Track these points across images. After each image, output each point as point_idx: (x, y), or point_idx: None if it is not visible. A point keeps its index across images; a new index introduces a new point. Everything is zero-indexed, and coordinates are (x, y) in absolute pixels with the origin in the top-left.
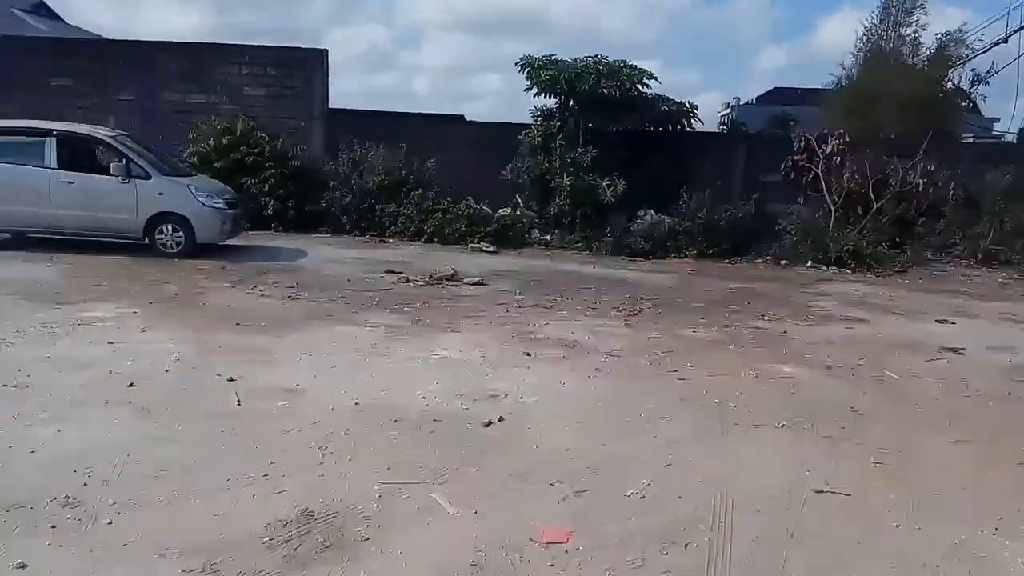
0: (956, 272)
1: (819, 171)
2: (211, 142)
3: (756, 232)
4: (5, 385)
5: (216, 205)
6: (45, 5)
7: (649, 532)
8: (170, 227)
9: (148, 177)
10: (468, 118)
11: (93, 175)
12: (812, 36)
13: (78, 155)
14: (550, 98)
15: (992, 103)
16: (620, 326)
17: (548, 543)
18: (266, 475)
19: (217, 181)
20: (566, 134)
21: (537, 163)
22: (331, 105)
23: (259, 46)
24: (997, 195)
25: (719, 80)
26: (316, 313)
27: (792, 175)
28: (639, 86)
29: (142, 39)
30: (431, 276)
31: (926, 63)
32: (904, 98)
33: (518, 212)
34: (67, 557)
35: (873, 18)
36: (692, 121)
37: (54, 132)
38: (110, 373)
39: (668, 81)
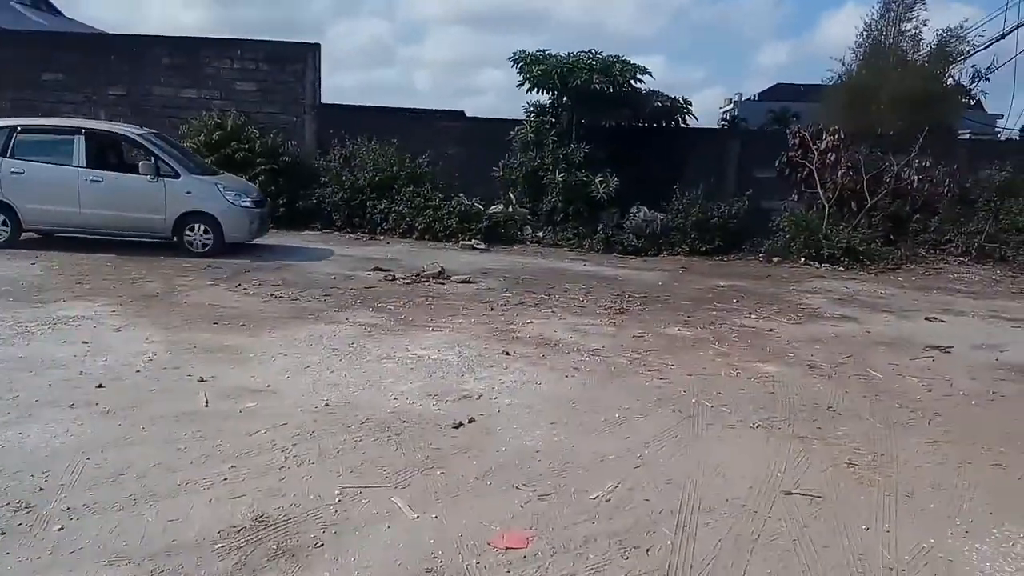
0: (950, 269)
1: (813, 167)
2: (202, 137)
3: (749, 229)
4: None
5: (244, 204)
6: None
7: (612, 535)
8: (199, 226)
9: (177, 176)
10: (469, 113)
11: (122, 174)
12: (815, 32)
13: (107, 153)
14: (543, 93)
15: (997, 100)
16: (605, 324)
17: (507, 548)
18: (225, 479)
19: (243, 179)
20: (559, 130)
21: (529, 159)
22: (328, 100)
23: (251, 40)
24: (992, 191)
25: (722, 76)
26: (297, 311)
27: (787, 171)
28: (632, 81)
29: (134, 33)
30: (418, 274)
31: (926, 59)
32: (903, 94)
33: (510, 209)
34: (12, 565)
35: (873, 14)
36: (686, 117)
37: (83, 130)
38: (80, 373)
39: (671, 77)
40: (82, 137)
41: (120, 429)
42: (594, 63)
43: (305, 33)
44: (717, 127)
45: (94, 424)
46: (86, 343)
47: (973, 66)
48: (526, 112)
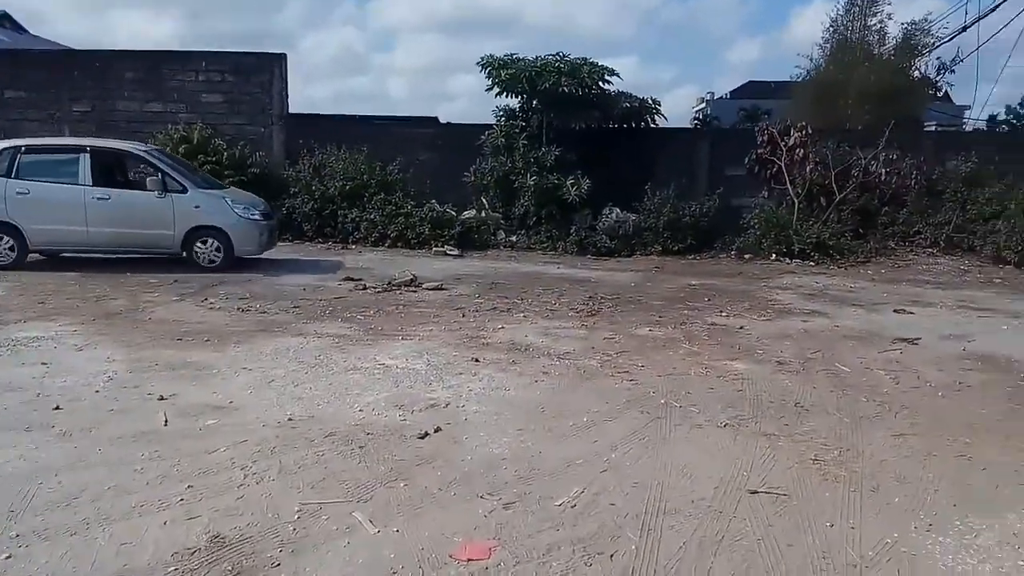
0: (919, 260)
1: (782, 164)
2: (168, 150)
3: (721, 227)
4: None
5: (253, 217)
6: (9, 17)
7: (576, 542)
8: (209, 240)
9: (184, 190)
10: (442, 119)
11: (129, 190)
12: (785, 29)
13: (112, 171)
14: (512, 97)
15: (966, 91)
16: (576, 327)
17: (468, 559)
18: (181, 499)
19: (250, 193)
20: (529, 133)
21: (501, 163)
22: (303, 110)
23: (215, 52)
24: (959, 182)
25: (694, 75)
26: (264, 324)
27: (756, 169)
28: (601, 83)
29: (99, 48)
30: (390, 282)
31: (892, 53)
32: (870, 88)
33: (483, 214)
34: None
35: (839, 9)
36: (656, 117)
37: (88, 148)
38: (38, 395)
39: (643, 77)
40: (87, 155)
41: (76, 451)
42: (562, 66)
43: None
44: (687, 127)
45: (49, 447)
46: (45, 364)
47: (938, 58)
48: (496, 116)
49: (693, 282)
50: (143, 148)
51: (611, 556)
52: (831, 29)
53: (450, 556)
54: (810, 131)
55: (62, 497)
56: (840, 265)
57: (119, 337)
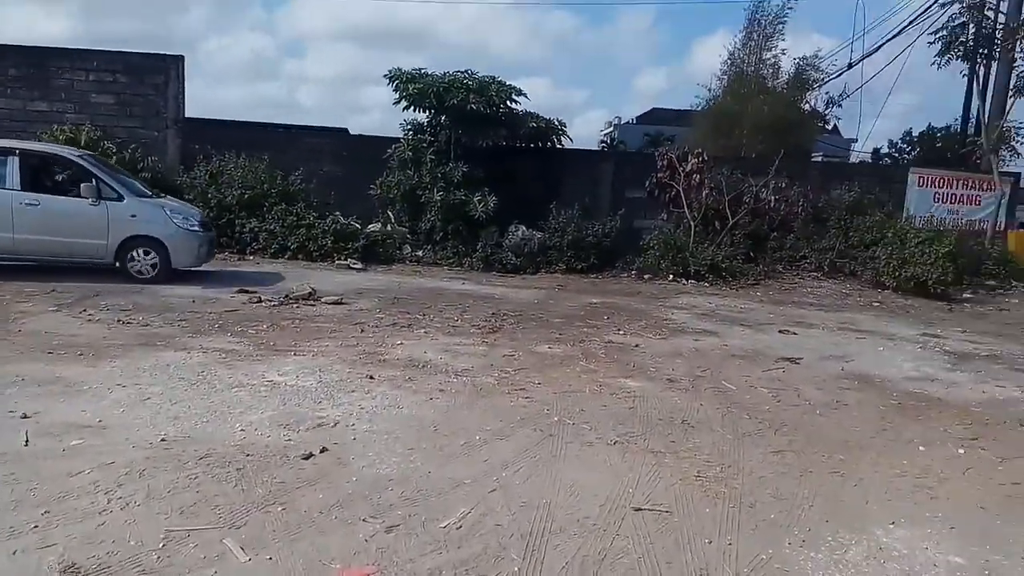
0: (804, 284)
1: (680, 188)
2: None
3: (622, 247)
4: None
5: (192, 228)
6: None
7: (459, 565)
8: (143, 251)
9: (120, 199)
10: (353, 131)
11: (60, 197)
12: (690, 58)
13: (43, 176)
14: (420, 112)
15: (854, 124)
16: (477, 344)
17: None
18: (36, 526)
19: (186, 203)
20: (437, 148)
21: (408, 177)
22: (210, 114)
23: (107, 51)
24: (843, 210)
25: (604, 99)
26: (146, 338)
27: (656, 192)
28: (508, 102)
29: None
30: (286, 295)
31: (785, 86)
32: (764, 119)
33: (388, 228)
34: None
35: (736, 42)
36: (562, 138)
37: (16, 151)
38: None
39: (555, 99)
40: (16, 158)
41: None
42: (470, 83)
43: (181, 48)
44: (592, 149)
45: None
46: None
47: (827, 93)
48: (404, 130)
49: (594, 300)
50: (76, 153)
51: None
52: (728, 62)
53: None
54: (706, 158)
55: None
56: (732, 287)
57: None
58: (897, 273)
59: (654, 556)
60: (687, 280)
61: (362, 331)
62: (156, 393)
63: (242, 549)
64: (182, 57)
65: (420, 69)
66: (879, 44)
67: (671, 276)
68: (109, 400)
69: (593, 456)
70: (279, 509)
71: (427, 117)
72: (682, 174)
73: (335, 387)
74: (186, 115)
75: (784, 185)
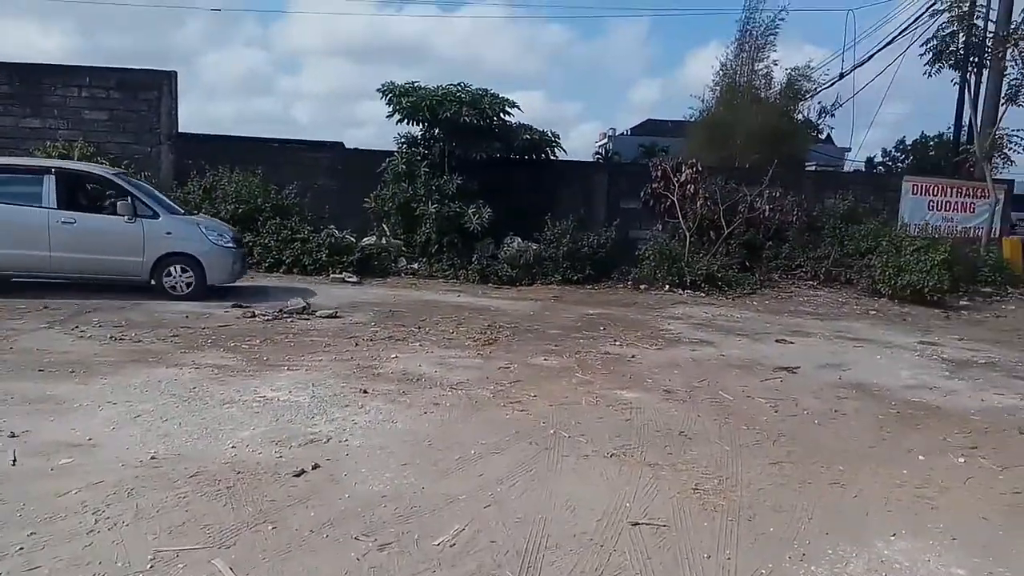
0: (800, 292)
1: (675, 199)
2: None
3: (618, 258)
4: None
5: (226, 244)
6: None
7: None
8: (179, 268)
9: (156, 216)
10: (348, 145)
11: (96, 215)
12: (682, 71)
13: (79, 194)
14: (414, 125)
15: (847, 134)
16: (472, 356)
17: None
18: (21, 548)
19: (219, 220)
20: (431, 161)
21: (402, 191)
22: (205, 130)
23: (100, 67)
24: (837, 219)
25: (598, 111)
26: (138, 355)
27: (651, 202)
28: (502, 114)
29: None
30: (281, 310)
31: (777, 97)
32: (757, 129)
33: (384, 241)
34: None
35: (728, 53)
36: (556, 150)
37: (53, 170)
38: None
39: (550, 111)
40: (52, 177)
41: None
42: (463, 96)
43: (177, 63)
44: (586, 160)
45: None
46: None
47: (819, 103)
48: (398, 143)
49: (590, 311)
50: (111, 171)
51: None
52: (721, 73)
53: None
54: (700, 168)
55: None
56: (728, 296)
57: None
58: (893, 281)
59: (652, 572)
60: (683, 290)
61: (356, 345)
62: (147, 410)
63: (231, 570)
64: (175, 73)
65: (413, 82)
66: (870, 54)
67: (667, 286)
68: (99, 418)
69: (590, 470)
70: (269, 528)
71: (421, 130)
72: (676, 184)
73: (328, 402)
74: (180, 130)
75: (778, 194)
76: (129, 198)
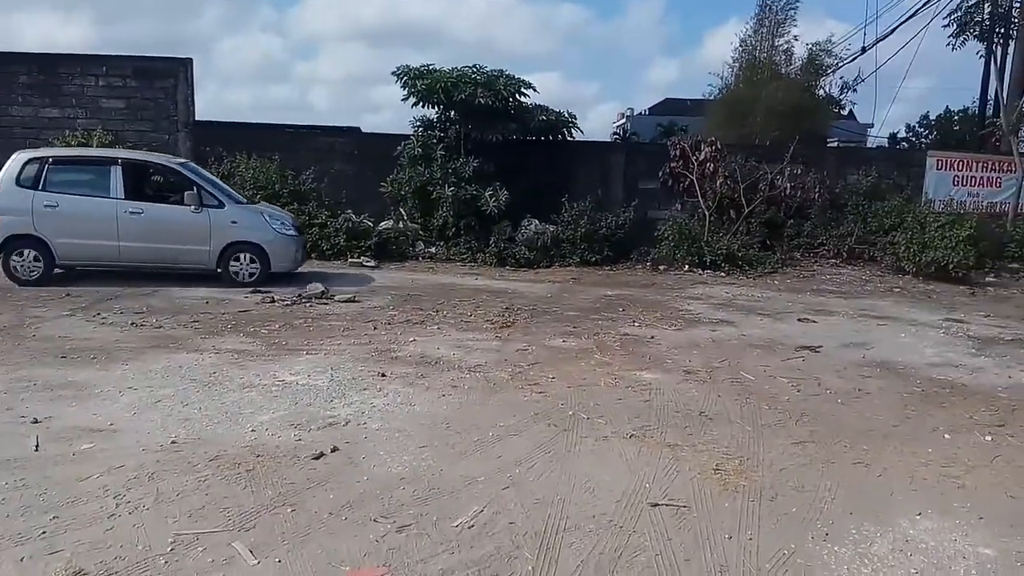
0: (822, 271)
1: (694, 177)
2: None
3: (636, 238)
4: None
5: (289, 232)
6: None
7: (470, 565)
8: (245, 256)
9: (221, 205)
10: (365, 130)
11: (162, 205)
12: (700, 49)
13: (145, 184)
14: (429, 108)
15: (870, 110)
16: (490, 339)
17: None
18: (44, 532)
19: (280, 208)
20: (447, 144)
21: (418, 174)
22: (221, 117)
23: (117, 56)
24: (860, 196)
25: (616, 91)
26: (159, 340)
27: (669, 182)
28: (517, 95)
29: None
30: (300, 294)
31: (798, 72)
32: (777, 105)
33: (401, 225)
34: None
35: (748, 30)
36: (572, 131)
37: (120, 160)
38: None
39: (567, 92)
40: (119, 167)
41: None
42: (479, 77)
43: (195, 50)
44: (603, 140)
45: None
46: None
47: (841, 78)
48: (413, 127)
49: (608, 293)
50: (177, 161)
51: None
52: (740, 49)
53: None
54: (720, 146)
55: None
56: (749, 276)
57: None
58: (917, 258)
59: (672, 553)
60: (703, 270)
61: (375, 328)
62: (167, 395)
63: (251, 552)
64: (191, 60)
65: (428, 65)
66: (893, 27)
67: (686, 266)
68: (120, 403)
69: (608, 451)
70: (289, 511)
71: (436, 113)
72: (695, 163)
73: (347, 385)
74: (196, 118)
75: (799, 172)
76: (195, 188)
